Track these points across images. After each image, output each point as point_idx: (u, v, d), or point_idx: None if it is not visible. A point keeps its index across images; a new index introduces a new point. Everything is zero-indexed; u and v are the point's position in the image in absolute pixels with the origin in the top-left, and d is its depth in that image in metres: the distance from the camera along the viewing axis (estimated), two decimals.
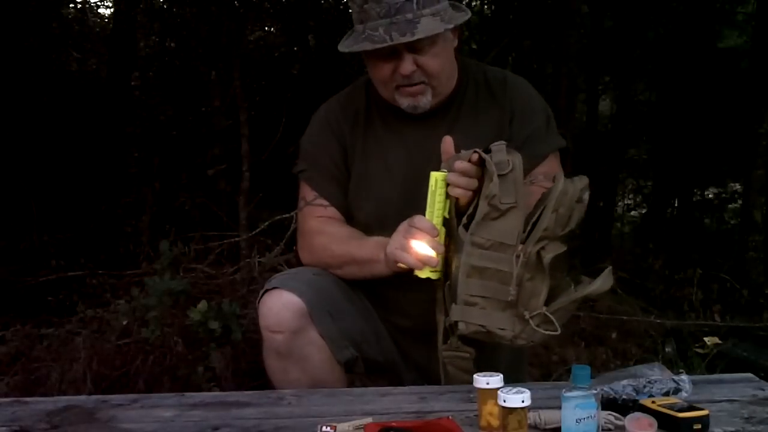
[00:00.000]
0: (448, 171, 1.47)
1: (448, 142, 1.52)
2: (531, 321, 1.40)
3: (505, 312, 1.42)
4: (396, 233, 1.53)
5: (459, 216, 1.47)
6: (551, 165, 1.70)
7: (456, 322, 1.46)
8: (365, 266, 1.64)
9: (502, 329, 1.42)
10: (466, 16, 1.63)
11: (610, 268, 1.44)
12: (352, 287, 1.72)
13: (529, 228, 1.41)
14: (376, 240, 1.63)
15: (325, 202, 1.75)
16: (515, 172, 1.40)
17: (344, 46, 1.61)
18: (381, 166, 1.72)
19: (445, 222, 1.50)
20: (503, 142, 1.45)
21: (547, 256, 1.39)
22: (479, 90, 1.74)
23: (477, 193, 1.44)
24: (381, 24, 1.53)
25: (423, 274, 1.50)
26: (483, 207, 1.41)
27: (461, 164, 1.44)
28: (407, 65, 1.57)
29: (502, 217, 1.40)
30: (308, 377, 1.62)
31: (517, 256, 1.39)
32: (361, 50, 1.57)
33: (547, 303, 1.42)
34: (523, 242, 1.40)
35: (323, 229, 1.73)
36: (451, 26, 1.58)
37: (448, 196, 1.48)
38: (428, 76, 1.60)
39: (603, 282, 1.43)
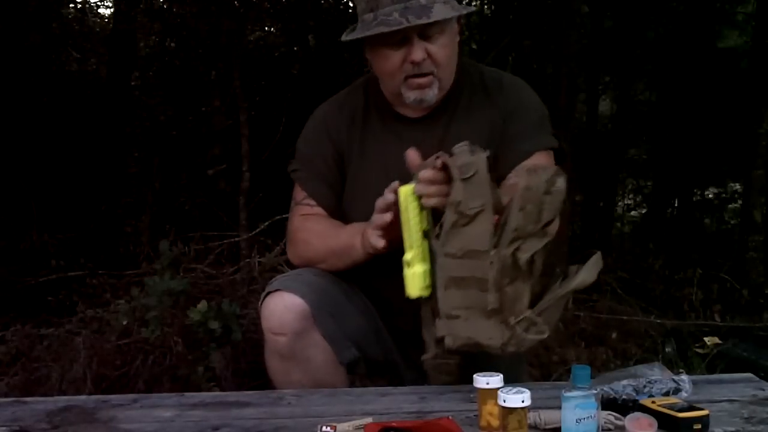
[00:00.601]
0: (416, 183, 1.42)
1: (411, 155, 1.48)
2: (517, 327, 1.35)
3: (490, 320, 1.37)
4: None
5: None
6: (538, 161, 1.66)
7: (443, 337, 1.41)
8: (344, 255, 1.64)
9: (490, 338, 1.37)
10: (472, 8, 1.65)
11: (598, 253, 1.38)
12: (351, 285, 1.72)
13: (499, 231, 1.34)
14: (351, 227, 1.64)
15: (312, 202, 1.74)
16: (480, 174, 1.35)
17: (353, 35, 1.60)
18: (378, 167, 1.71)
19: (426, 234, 1.44)
20: (466, 142, 1.40)
21: (523, 257, 1.33)
22: (475, 91, 1.73)
23: None
24: (395, 9, 1.53)
25: (414, 293, 1.45)
26: (450, 215, 1.36)
27: (426, 173, 1.41)
28: (418, 51, 1.56)
29: (471, 223, 1.35)
30: (311, 379, 1.61)
31: (491, 262, 1.34)
32: (375, 34, 1.55)
33: (535, 303, 1.37)
34: (496, 246, 1.34)
35: (304, 226, 1.73)
36: (464, 12, 1.61)
37: (423, 207, 1.43)
38: (437, 66, 1.60)
39: (588, 273, 1.37)
